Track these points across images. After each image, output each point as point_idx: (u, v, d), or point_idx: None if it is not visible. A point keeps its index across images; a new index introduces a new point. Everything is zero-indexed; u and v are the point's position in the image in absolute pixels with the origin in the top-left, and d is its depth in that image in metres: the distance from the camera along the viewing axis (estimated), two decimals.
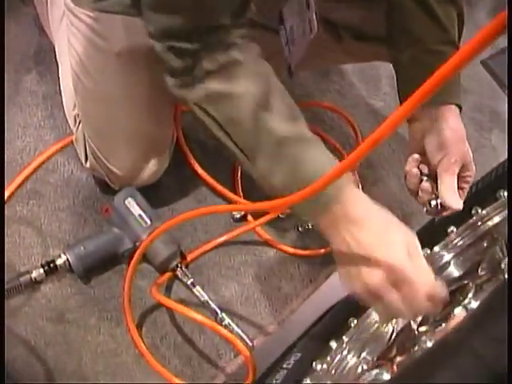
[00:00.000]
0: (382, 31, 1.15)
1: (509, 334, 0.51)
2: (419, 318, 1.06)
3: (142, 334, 1.21)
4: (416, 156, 1.07)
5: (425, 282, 0.84)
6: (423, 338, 0.99)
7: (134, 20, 1.06)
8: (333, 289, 1.33)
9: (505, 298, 0.57)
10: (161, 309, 1.24)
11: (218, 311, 1.22)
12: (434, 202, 1.03)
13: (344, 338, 1.07)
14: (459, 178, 1.03)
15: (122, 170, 1.22)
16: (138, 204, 1.24)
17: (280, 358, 1.16)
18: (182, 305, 1.20)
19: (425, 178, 1.06)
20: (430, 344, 0.92)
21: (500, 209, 0.99)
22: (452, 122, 1.04)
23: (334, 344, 1.07)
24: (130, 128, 1.20)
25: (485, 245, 1.02)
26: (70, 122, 1.29)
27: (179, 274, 1.25)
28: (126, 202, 1.23)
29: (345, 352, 1.07)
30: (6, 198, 1.24)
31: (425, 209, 1.05)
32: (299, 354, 1.09)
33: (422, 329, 1.03)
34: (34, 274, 1.16)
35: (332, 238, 0.90)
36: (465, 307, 0.94)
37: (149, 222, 1.22)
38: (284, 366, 1.08)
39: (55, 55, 1.30)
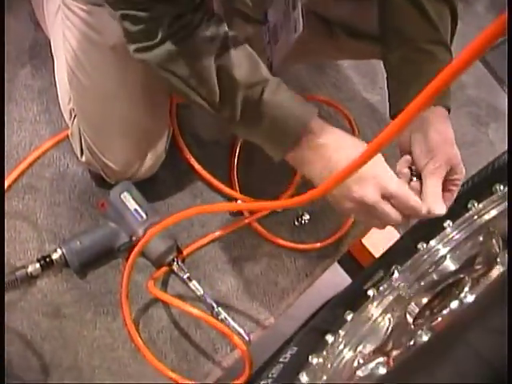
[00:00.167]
0: (375, 29, 1.15)
1: (509, 328, 0.51)
2: (416, 311, 1.06)
3: (139, 329, 1.21)
4: (408, 157, 1.06)
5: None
6: (419, 331, 0.99)
7: None
8: (329, 283, 1.33)
9: (501, 292, 0.57)
10: (157, 303, 1.24)
11: (215, 305, 1.22)
12: None
13: (340, 331, 1.07)
14: (447, 180, 1.02)
15: (118, 165, 1.22)
16: (133, 198, 1.23)
17: (276, 352, 1.17)
18: (178, 299, 1.20)
19: (414, 179, 1.05)
20: (426, 338, 0.92)
21: (496, 203, 0.99)
22: (439, 125, 1.02)
23: (330, 338, 1.07)
24: (125, 122, 1.20)
25: (481, 239, 1.02)
26: (65, 116, 1.29)
27: (175, 269, 1.25)
28: (122, 196, 1.23)
29: (341, 346, 1.07)
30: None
31: None
32: (295, 348, 1.09)
33: (418, 323, 1.03)
34: (30, 269, 1.16)
35: (306, 169, 0.98)
36: (461, 301, 0.94)
37: (145, 216, 1.22)
38: (280, 360, 1.08)
39: (50, 49, 1.29)
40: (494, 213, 1.01)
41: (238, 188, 1.41)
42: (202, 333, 1.25)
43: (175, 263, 1.25)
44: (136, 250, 1.08)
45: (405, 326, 1.04)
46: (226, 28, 0.98)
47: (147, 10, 0.90)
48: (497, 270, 0.94)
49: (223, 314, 1.21)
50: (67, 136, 1.30)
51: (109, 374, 1.17)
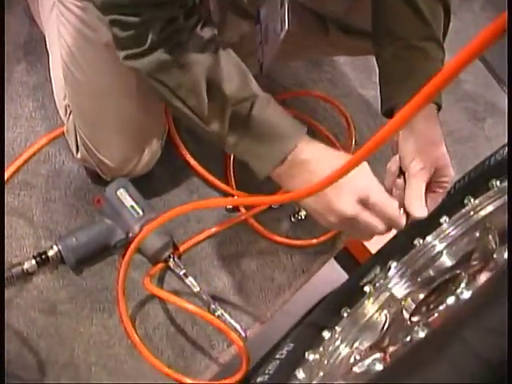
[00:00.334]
0: (370, 26, 1.14)
1: (509, 327, 0.50)
2: (412, 307, 1.06)
3: (135, 325, 1.21)
4: (397, 157, 1.06)
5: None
6: (416, 327, 0.99)
7: None
8: (325, 279, 1.33)
9: (497, 289, 0.57)
10: (153, 300, 1.24)
11: (211, 302, 1.22)
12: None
13: (337, 328, 1.07)
14: (432, 182, 1.01)
15: (113, 161, 1.22)
16: (130, 195, 1.23)
17: (273, 348, 1.16)
18: (174, 295, 1.20)
19: (402, 177, 1.05)
20: (422, 334, 0.92)
21: (493, 198, 0.99)
22: (426, 124, 1.02)
23: (326, 334, 1.07)
24: (121, 118, 1.19)
25: (477, 234, 1.02)
26: (60, 112, 1.29)
27: (172, 265, 1.24)
28: (118, 192, 1.23)
29: (337, 342, 1.07)
30: None
31: None
32: (292, 345, 1.09)
33: (415, 319, 1.03)
34: (26, 266, 1.16)
35: (290, 183, 0.97)
36: (457, 297, 0.94)
37: (141, 212, 1.22)
38: (277, 356, 1.08)
39: (45, 45, 1.29)
40: (490, 208, 1.01)
41: (233, 184, 1.41)
42: (198, 329, 1.24)
43: (171, 259, 1.24)
44: (132, 246, 1.08)
45: (401, 322, 1.04)
46: (218, 36, 0.98)
47: (137, 15, 0.90)
48: (493, 267, 0.94)
49: (220, 311, 1.21)
50: (63, 132, 1.30)
51: (105, 370, 1.16)
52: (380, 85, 1.10)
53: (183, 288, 1.26)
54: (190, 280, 1.24)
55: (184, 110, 0.98)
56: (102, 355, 1.17)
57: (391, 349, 0.99)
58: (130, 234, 1.21)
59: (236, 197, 1.39)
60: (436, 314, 0.99)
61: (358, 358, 1.04)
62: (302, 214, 1.42)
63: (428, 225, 1.07)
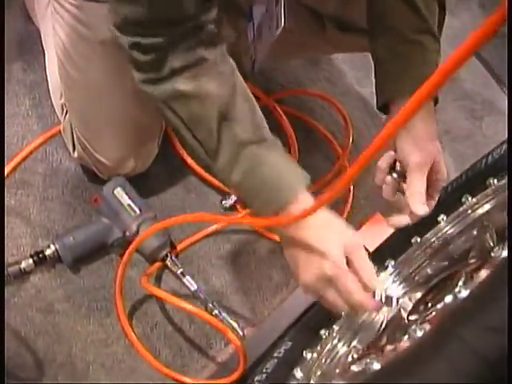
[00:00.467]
0: (366, 21, 1.14)
1: (509, 326, 0.50)
2: (410, 305, 1.06)
3: (132, 324, 1.21)
4: (392, 153, 1.06)
5: (361, 278, 0.88)
6: (413, 326, 0.99)
7: None
8: None
9: (495, 287, 0.57)
10: (151, 299, 1.24)
11: (208, 300, 1.22)
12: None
13: (334, 326, 1.07)
14: (428, 180, 1.01)
15: (110, 160, 1.22)
16: (127, 193, 1.23)
17: (270, 347, 1.16)
18: (172, 295, 1.20)
19: (394, 175, 1.05)
20: (420, 333, 0.92)
21: (490, 196, 0.99)
22: (423, 120, 1.02)
23: (324, 333, 1.07)
24: (117, 117, 1.19)
25: (475, 233, 1.02)
26: (57, 111, 1.29)
27: (169, 264, 1.24)
28: (115, 191, 1.23)
29: (335, 341, 1.07)
30: None
31: None
32: (290, 343, 1.09)
33: (413, 317, 1.03)
34: (23, 265, 1.15)
35: (281, 237, 0.97)
36: (455, 295, 0.94)
37: (138, 211, 1.22)
38: (274, 355, 1.08)
39: (41, 43, 1.29)
40: (487, 207, 1.01)
41: None
42: (196, 328, 1.24)
43: (169, 258, 1.24)
44: (129, 249, 1.08)
45: (399, 321, 1.04)
46: (237, 72, 0.96)
47: (156, 35, 0.88)
48: (491, 265, 0.94)
49: (217, 309, 1.21)
50: (59, 131, 1.30)
51: (103, 369, 1.16)
52: (375, 80, 1.10)
53: (181, 287, 1.25)
54: (187, 279, 1.24)
55: (192, 141, 0.95)
56: (99, 354, 1.17)
57: (389, 348, 0.99)
58: (128, 233, 1.20)
59: (233, 196, 1.38)
60: (434, 313, 0.99)
61: (355, 356, 1.04)
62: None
63: (426, 223, 1.07)
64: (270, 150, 0.94)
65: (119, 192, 1.23)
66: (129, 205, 1.22)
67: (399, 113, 0.52)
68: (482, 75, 1.98)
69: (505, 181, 0.96)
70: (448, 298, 0.96)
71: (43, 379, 1.12)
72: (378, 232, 1.31)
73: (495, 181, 0.98)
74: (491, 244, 0.98)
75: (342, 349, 1.06)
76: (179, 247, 1.30)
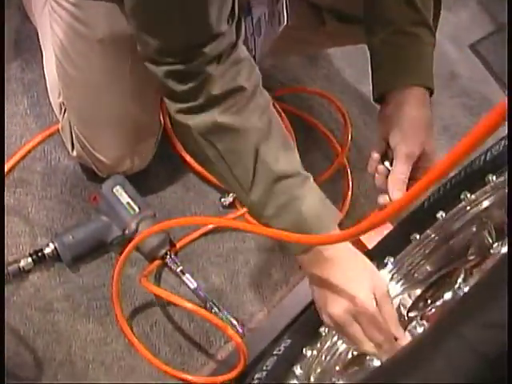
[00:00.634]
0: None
1: (509, 324, 0.50)
2: (409, 302, 1.06)
3: (132, 323, 1.21)
4: (383, 142, 1.07)
5: (387, 319, 0.91)
6: (413, 323, 1.00)
7: (116, 6, 1.05)
8: None
9: (494, 284, 0.57)
10: (150, 297, 1.24)
11: (208, 298, 1.22)
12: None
13: None
14: (417, 168, 1.02)
15: (109, 158, 1.22)
16: (126, 192, 1.23)
17: (270, 344, 1.16)
18: (171, 293, 1.20)
19: (386, 163, 1.06)
20: (420, 329, 0.93)
21: (489, 193, 0.99)
22: (414, 108, 1.02)
23: (323, 330, 1.07)
24: (115, 115, 1.19)
25: (474, 229, 1.02)
26: (55, 110, 1.28)
27: (168, 262, 1.24)
28: (114, 189, 1.23)
29: (335, 338, 1.07)
30: None
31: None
32: (289, 341, 1.09)
33: (412, 314, 1.03)
34: (22, 263, 1.16)
35: (308, 271, 0.97)
36: (454, 292, 0.94)
37: (137, 209, 1.22)
38: (274, 352, 1.08)
39: (39, 42, 1.29)
40: (486, 203, 1.01)
41: None
42: (195, 326, 1.24)
43: (168, 257, 1.24)
44: (127, 250, 1.08)
45: (399, 318, 1.04)
46: (271, 104, 0.96)
47: (190, 60, 0.86)
48: (490, 262, 0.94)
49: (217, 307, 1.21)
50: (58, 130, 1.29)
51: (102, 367, 1.16)
52: (371, 72, 1.10)
53: (180, 285, 1.25)
54: (187, 277, 1.24)
55: (228, 175, 0.95)
56: (99, 352, 1.17)
57: None
58: (127, 231, 1.20)
59: (231, 196, 1.38)
60: (433, 310, 0.99)
61: (355, 353, 1.04)
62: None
63: (425, 220, 1.07)
64: (303, 184, 0.94)
65: (118, 190, 1.22)
66: (128, 203, 1.22)
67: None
68: (480, 72, 1.97)
69: (504, 177, 0.96)
70: (447, 295, 0.96)
71: (42, 378, 1.12)
72: (377, 229, 1.31)
73: (494, 177, 0.97)
74: (490, 241, 0.98)
75: (341, 346, 1.06)
76: (179, 245, 1.30)
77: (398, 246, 1.10)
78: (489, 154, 1.01)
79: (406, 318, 1.03)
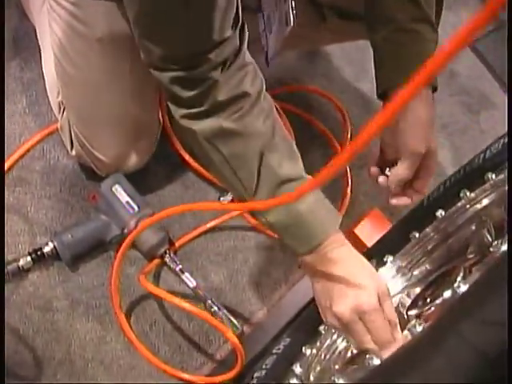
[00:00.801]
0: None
1: (509, 322, 0.50)
2: (408, 301, 1.06)
3: (131, 322, 1.21)
4: (377, 153, 1.10)
5: (389, 318, 0.92)
6: (413, 321, 0.99)
7: (115, 5, 1.05)
8: None
9: (493, 282, 0.57)
10: (150, 296, 1.24)
11: (207, 297, 1.22)
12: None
13: None
14: (420, 166, 1.05)
15: (108, 157, 1.21)
16: (125, 191, 1.23)
17: (269, 343, 1.16)
18: (170, 292, 1.20)
19: (387, 172, 1.08)
20: (419, 328, 0.92)
21: (488, 191, 0.99)
22: (419, 106, 1.03)
23: (323, 329, 1.07)
24: (114, 113, 1.19)
25: (473, 228, 1.02)
26: (54, 109, 1.28)
27: (168, 261, 1.24)
28: (113, 188, 1.23)
29: (334, 336, 1.07)
30: None
31: None
32: (288, 339, 1.09)
33: (412, 313, 1.03)
34: (22, 262, 1.16)
35: (311, 273, 0.98)
36: (454, 290, 0.94)
37: (136, 208, 1.22)
38: (274, 351, 1.08)
39: (37, 41, 1.29)
40: (486, 202, 1.01)
41: None
42: (194, 325, 1.24)
43: (167, 255, 1.24)
44: (124, 244, 1.08)
45: (398, 316, 1.04)
46: (270, 98, 0.97)
47: (194, 66, 0.87)
48: (489, 260, 0.94)
49: (216, 306, 1.21)
50: (57, 129, 1.29)
51: (102, 366, 1.16)
52: (375, 69, 1.11)
53: (179, 284, 1.25)
54: (186, 275, 1.24)
55: (232, 179, 0.95)
56: (98, 351, 1.17)
57: None
58: (126, 230, 1.20)
59: (230, 195, 1.38)
60: (432, 308, 0.99)
61: (355, 352, 1.04)
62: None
63: (424, 218, 1.07)
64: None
65: (117, 189, 1.22)
66: (127, 202, 1.22)
67: (395, 99, 0.52)
68: (479, 69, 1.97)
69: (503, 175, 0.96)
70: (447, 294, 0.96)
71: (42, 377, 1.12)
72: (377, 227, 1.31)
73: (493, 175, 0.97)
74: (489, 239, 0.98)
75: (341, 344, 1.06)
76: (177, 244, 1.30)
77: (397, 245, 1.09)
78: (488, 152, 1.01)
79: (406, 316, 1.03)
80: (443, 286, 1.00)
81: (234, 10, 0.86)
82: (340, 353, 1.06)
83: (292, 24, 1.09)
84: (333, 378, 0.99)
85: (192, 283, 1.23)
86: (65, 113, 1.24)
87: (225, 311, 1.21)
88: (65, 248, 1.18)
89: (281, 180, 0.92)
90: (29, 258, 1.16)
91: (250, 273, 1.34)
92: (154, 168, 1.34)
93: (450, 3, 2.02)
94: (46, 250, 1.17)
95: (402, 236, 1.09)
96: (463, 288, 0.92)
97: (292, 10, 1.07)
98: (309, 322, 1.10)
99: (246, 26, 0.92)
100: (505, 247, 0.90)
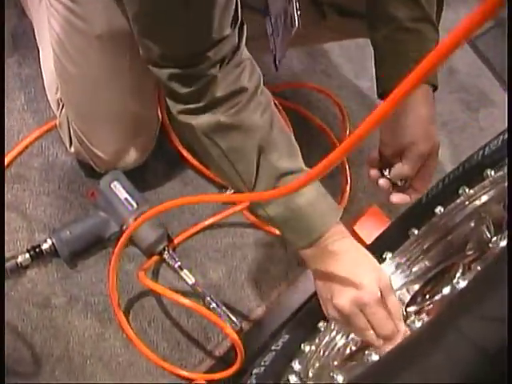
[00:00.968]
0: (364, 7, 1.14)
1: (509, 319, 0.50)
2: (407, 297, 1.06)
3: (130, 318, 1.21)
4: (376, 156, 1.10)
5: (392, 311, 0.92)
6: (412, 317, 0.99)
7: (114, 2, 1.05)
8: None
9: (492, 278, 0.57)
10: (148, 292, 1.24)
11: (206, 294, 1.22)
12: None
13: None
14: (422, 166, 1.05)
15: (107, 154, 1.21)
16: (123, 187, 1.23)
17: (268, 340, 1.16)
18: (169, 288, 1.20)
19: (385, 174, 1.08)
20: (418, 324, 0.92)
21: (487, 188, 0.99)
22: (421, 105, 1.03)
23: (322, 325, 1.07)
24: (113, 110, 1.19)
25: (472, 224, 1.02)
26: (53, 106, 1.28)
27: (166, 258, 1.24)
28: (112, 185, 1.23)
29: (333, 333, 1.07)
30: None
31: None
32: (287, 336, 1.09)
33: (411, 309, 1.03)
34: (20, 259, 1.15)
35: (312, 266, 0.98)
36: (453, 286, 0.94)
37: (135, 205, 1.22)
38: (272, 347, 1.08)
39: (35, 37, 1.28)
40: (485, 198, 1.01)
41: None
42: (193, 322, 1.24)
43: (166, 252, 1.24)
44: (122, 239, 1.08)
45: None
46: (272, 102, 0.97)
47: (194, 64, 0.87)
48: (488, 256, 0.94)
49: (215, 303, 1.21)
50: (55, 125, 1.29)
51: (100, 363, 1.16)
52: (375, 67, 1.11)
53: (178, 280, 1.25)
54: (185, 272, 1.24)
55: (231, 173, 0.95)
56: (96, 348, 1.17)
57: None
58: (125, 227, 1.20)
59: (229, 191, 1.38)
60: (431, 305, 0.99)
61: (354, 348, 1.04)
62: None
63: (423, 215, 1.07)
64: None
65: (116, 186, 1.22)
66: (126, 198, 1.22)
67: (393, 93, 0.52)
68: (478, 67, 1.97)
69: (502, 172, 0.96)
70: (446, 290, 0.96)
71: (40, 374, 1.12)
72: (375, 224, 1.31)
73: (492, 172, 0.97)
74: (488, 236, 0.97)
75: (340, 341, 1.06)
76: (176, 241, 1.30)
77: (396, 242, 1.09)
78: (487, 149, 1.01)
79: (405, 313, 1.03)
80: (442, 282, 1.00)
81: (233, 9, 0.86)
82: (339, 349, 1.06)
83: (297, 25, 1.09)
84: (332, 375, 0.99)
85: (191, 280, 1.23)
86: (63, 109, 1.23)
87: (224, 308, 1.20)
88: (63, 245, 1.18)
89: (280, 173, 0.92)
90: (27, 255, 1.16)
91: (248, 270, 1.34)
92: (152, 165, 1.34)
93: (450, 0, 2.02)
94: (45, 246, 1.17)
95: (400, 233, 1.09)
96: (462, 284, 0.92)
97: (297, 11, 1.07)
98: (308, 318, 1.10)
99: (244, 24, 0.92)
100: (504, 243, 0.90)
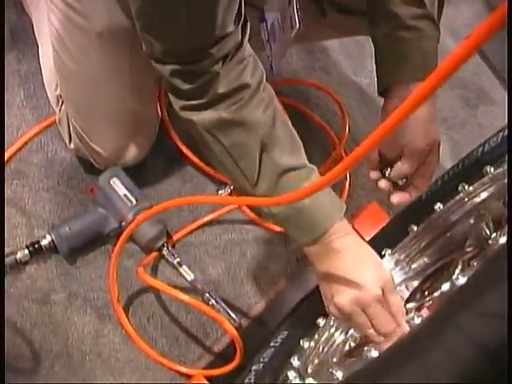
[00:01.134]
0: (365, 5, 1.14)
1: (509, 317, 0.50)
2: (406, 294, 1.06)
3: (129, 314, 1.21)
4: (377, 156, 1.09)
5: (394, 309, 0.93)
6: (411, 314, 1.00)
7: None
8: None
9: (491, 274, 0.57)
10: (147, 289, 1.24)
11: (205, 290, 1.22)
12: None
13: None
14: (424, 164, 1.05)
15: (106, 150, 1.21)
16: (123, 184, 1.23)
17: (267, 336, 1.16)
18: (168, 285, 1.20)
19: (386, 174, 1.08)
20: (418, 320, 0.92)
21: (487, 185, 0.99)
22: (427, 106, 1.02)
23: (321, 322, 1.07)
24: (113, 107, 1.19)
25: (471, 221, 1.02)
26: (52, 102, 1.28)
27: (165, 254, 1.24)
28: (111, 181, 1.22)
29: (332, 329, 1.07)
30: None
31: None
32: (286, 332, 1.09)
33: (410, 305, 1.03)
34: (19, 255, 1.15)
35: (315, 263, 0.98)
36: (452, 283, 0.94)
37: (134, 201, 1.22)
38: (271, 344, 1.08)
39: (34, 33, 1.28)
40: (484, 195, 1.01)
41: None
42: (192, 318, 1.24)
43: (165, 248, 1.24)
44: (122, 237, 1.08)
45: None
46: (275, 98, 0.97)
47: (197, 61, 0.87)
48: (488, 253, 0.94)
49: (214, 299, 1.21)
50: (55, 121, 1.29)
51: (99, 359, 1.16)
52: (376, 65, 1.11)
53: (177, 277, 1.25)
54: (184, 269, 1.24)
55: (233, 169, 0.95)
56: (96, 344, 1.17)
57: None
58: (124, 223, 1.20)
59: (228, 188, 1.37)
60: (430, 301, 0.99)
61: (353, 344, 1.05)
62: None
63: (422, 212, 1.07)
64: (309, 177, 0.94)
65: (115, 182, 1.22)
66: (125, 195, 1.22)
67: (404, 103, 0.51)
68: (477, 64, 1.97)
69: (501, 169, 0.96)
70: (445, 287, 0.96)
71: (39, 370, 1.12)
72: (375, 221, 1.31)
73: (492, 169, 0.97)
74: (488, 232, 0.98)
75: (339, 337, 1.06)
76: (175, 237, 1.30)
77: (395, 238, 1.10)
78: (486, 145, 1.01)
79: (404, 309, 1.03)
80: (441, 279, 1.00)
81: (237, 6, 0.86)
82: (338, 346, 1.06)
83: (298, 26, 1.09)
84: (331, 371, 0.99)
85: (190, 276, 1.23)
86: (63, 106, 1.23)
87: (223, 304, 1.20)
88: (62, 241, 1.18)
89: (282, 169, 0.92)
90: (26, 251, 1.16)
91: (248, 266, 1.34)
92: (152, 161, 1.34)
93: None
94: (44, 242, 1.17)
95: (400, 229, 1.09)
96: (462, 281, 0.92)
97: (297, 12, 1.07)
98: (307, 315, 1.10)
99: (248, 21, 0.91)
100: (503, 240, 0.90)
